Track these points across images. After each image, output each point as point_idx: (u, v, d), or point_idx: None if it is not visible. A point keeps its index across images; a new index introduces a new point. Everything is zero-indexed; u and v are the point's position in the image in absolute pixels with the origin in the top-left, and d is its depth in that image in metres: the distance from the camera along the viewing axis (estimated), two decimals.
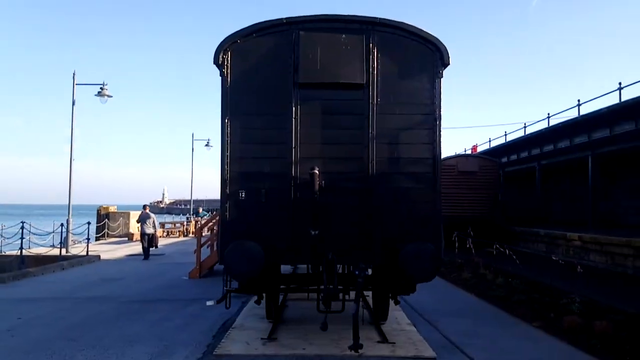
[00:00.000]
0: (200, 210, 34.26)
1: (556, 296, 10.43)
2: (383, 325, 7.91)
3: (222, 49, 6.63)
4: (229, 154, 6.59)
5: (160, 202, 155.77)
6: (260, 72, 6.69)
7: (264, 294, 7.88)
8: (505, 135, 32.30)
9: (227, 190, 6.59)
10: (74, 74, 21.05)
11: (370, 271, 7.31)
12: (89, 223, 20.00)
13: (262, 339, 7.12)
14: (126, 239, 27.56)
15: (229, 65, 6.65)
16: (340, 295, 6.95)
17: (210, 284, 12.65)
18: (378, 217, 6.55)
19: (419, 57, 6.73)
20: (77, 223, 21.64)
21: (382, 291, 7.59)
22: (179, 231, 33.86)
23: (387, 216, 6.55)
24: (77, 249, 19.46)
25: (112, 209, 31.16)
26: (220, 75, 6.68)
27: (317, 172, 6.15)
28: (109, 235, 28.20)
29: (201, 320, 8.52)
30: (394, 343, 6.97)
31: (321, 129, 6.62)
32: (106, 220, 28.53)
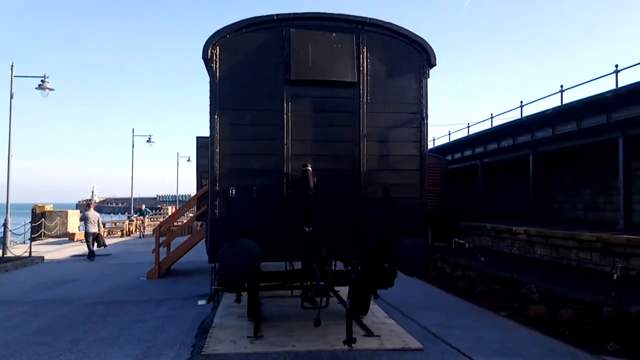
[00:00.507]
0: (144, 207, 33.29)
1: (514, 287, 10.98)
2: (363, 318, 8.05)
3: (210, 43, 6.48)
4: (218, 150, 6.48)
5: (90, 200, 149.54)
6: (250, 68, 6.61)
7: (242, 293, 7.80)
8: (449, 134, 33.69)
9: (217, 187, 6.47)
10: (12, 65, 19.83)
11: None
12: (31, 222, 18.98)
13: (248, 337, 7.05)
14: (66, 239, 26.23)
15: (217, 60, 6.52)
16: None
17: (171, 284, 12.35)
18: (369, 214, 6.65)
19: (406, 58, 6.89)
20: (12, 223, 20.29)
21: (366, 286, 7.71)
22: (121, 230, 32.66)
23: (378, 212, 6.66)
24: (17, 250, 18.34)
25: (47, 207, 29.52)
26: (209, 70, 6.55)
27: (310, 168, 6.18)
28: (45, 235, 26.75)
29: (177, 321, 8.31)
30: (380, 336, 7.11)
31: (312, 126, 6.63)
32: (42, 219, 27.07)
